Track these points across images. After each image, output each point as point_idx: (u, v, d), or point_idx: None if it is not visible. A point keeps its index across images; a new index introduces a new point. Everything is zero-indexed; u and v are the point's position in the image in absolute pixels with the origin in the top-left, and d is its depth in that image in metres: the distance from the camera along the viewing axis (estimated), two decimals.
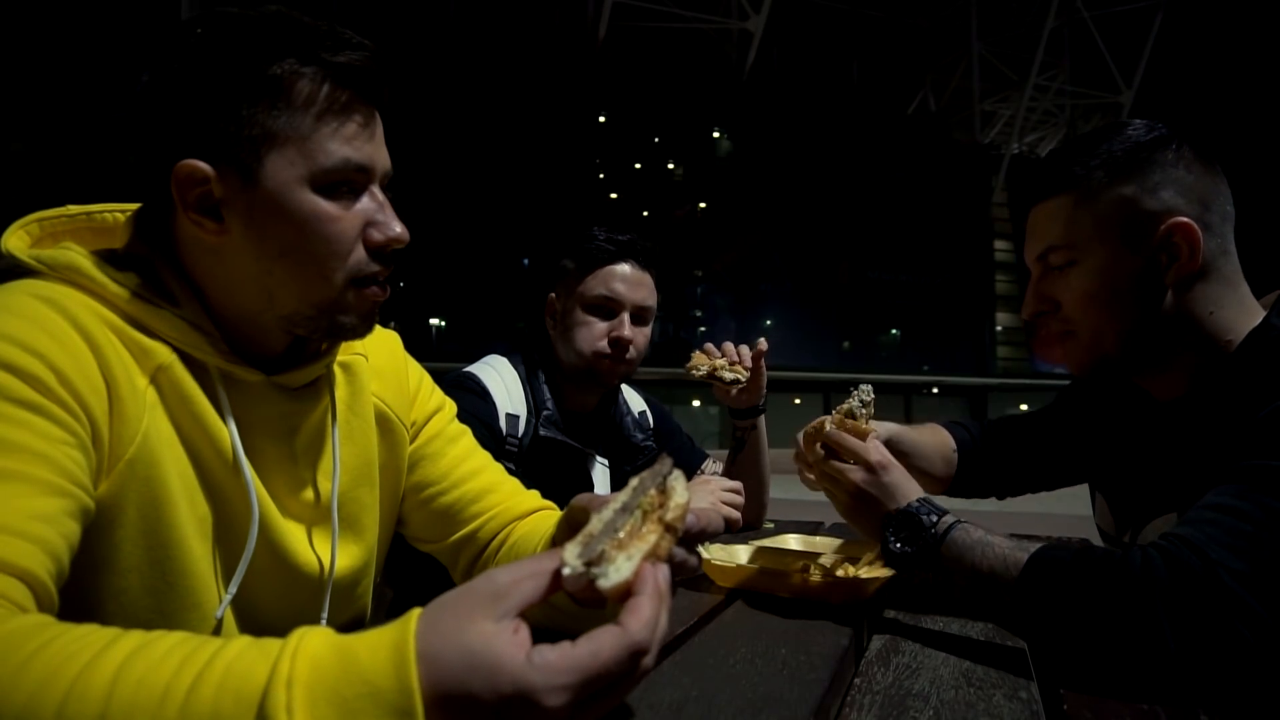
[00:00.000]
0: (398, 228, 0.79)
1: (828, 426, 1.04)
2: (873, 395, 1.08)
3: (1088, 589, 0.77)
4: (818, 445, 1.05)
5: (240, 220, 0.74)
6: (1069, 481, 1.30)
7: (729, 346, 1.64)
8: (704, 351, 1.63)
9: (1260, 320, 0.95)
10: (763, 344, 1.64)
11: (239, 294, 0.78)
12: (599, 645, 0.45)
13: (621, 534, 0.51)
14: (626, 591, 0.49)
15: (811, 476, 1.08)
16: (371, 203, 0.78)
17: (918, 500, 0.94)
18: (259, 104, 0.72)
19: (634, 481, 0.56)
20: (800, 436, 1.10)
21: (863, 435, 1.03)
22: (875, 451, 0.99)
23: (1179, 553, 0.75)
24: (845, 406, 1.07)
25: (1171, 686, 0.73)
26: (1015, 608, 0.84)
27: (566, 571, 0.48)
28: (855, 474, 0.98)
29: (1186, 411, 1.00)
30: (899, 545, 0.92)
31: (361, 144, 0.76)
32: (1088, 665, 0.78)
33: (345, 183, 0.76)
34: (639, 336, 1.61)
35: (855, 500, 0.99)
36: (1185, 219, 0.93)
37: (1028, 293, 1.06)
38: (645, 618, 0.47)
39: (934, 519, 0.91)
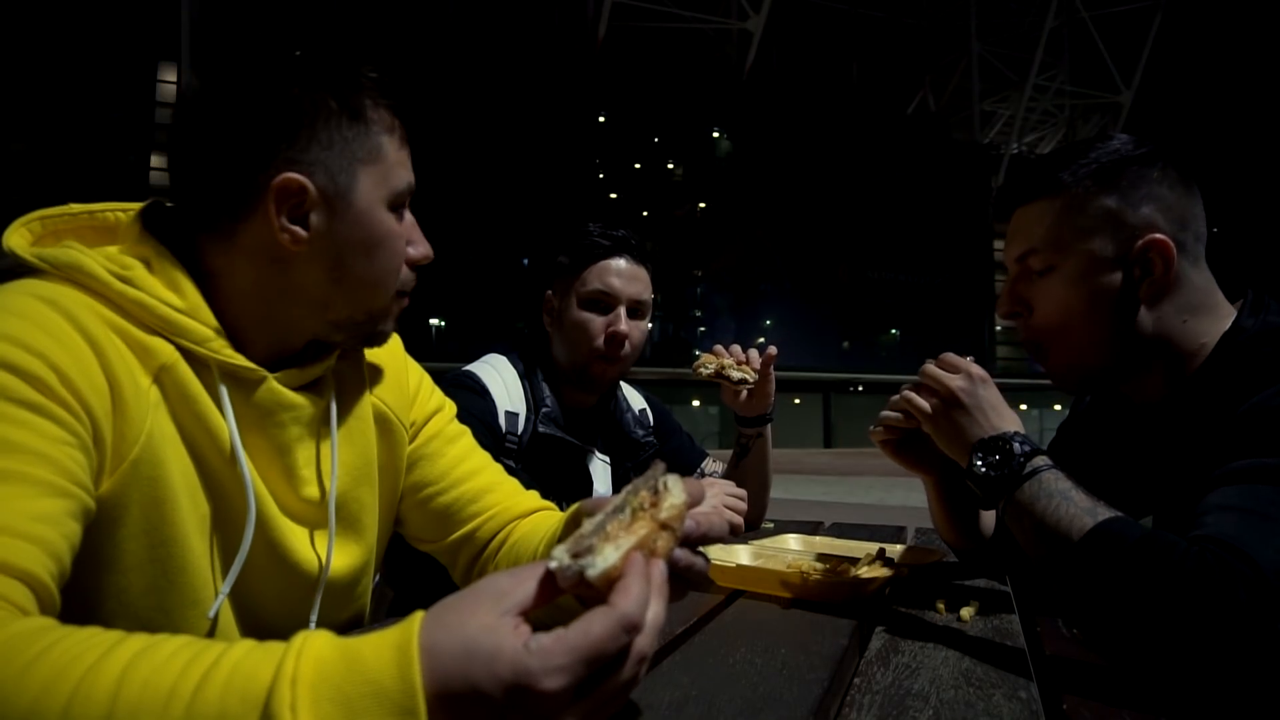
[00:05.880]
0: (426, 246, 0.88)
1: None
2: None
3: (1144, 578, 0.76)
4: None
5: (324, 232, 0.79)
6: None
7: (736, 348, 1.64)
8: (712, 352, 1.63)
9: (1231, 323, 0.97)
10: (773, 350, 1.62)
11: (288, 300, 0.80)
12: (589, 624, 0.46)
13: (609, 529, 0.52)
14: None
15: (892, 413, 1.09)
16: (409, 221, 0.86)
17: (1015, 431, 0.94)
18: (354, 128, 0.79)
19: (628, 488, 0.56)
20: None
21: None
22: (978, 367, 0.99)
23: (1225, 553, 0.74)
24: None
25: (1218, 674, 0.73)
26: (1069, 574, 0.84)
27: (553, 565, 0.49)
28: (954, 380, 0.98)
29: (1164, 415, 1.02)
30: (984, 468, 0.92)
31: (410, 168, 0.85)
32: (1131, 647, 0.79)
33: (403, 204, 0.84)
34: (635, 331, 1.60)
35: (948, 408, 0.98)
36: (1163, 236, 0.95)
37: (1003, 292, 1.07)
38: (633, 594, 0.48)
39: (1024, 451, 0.91)
